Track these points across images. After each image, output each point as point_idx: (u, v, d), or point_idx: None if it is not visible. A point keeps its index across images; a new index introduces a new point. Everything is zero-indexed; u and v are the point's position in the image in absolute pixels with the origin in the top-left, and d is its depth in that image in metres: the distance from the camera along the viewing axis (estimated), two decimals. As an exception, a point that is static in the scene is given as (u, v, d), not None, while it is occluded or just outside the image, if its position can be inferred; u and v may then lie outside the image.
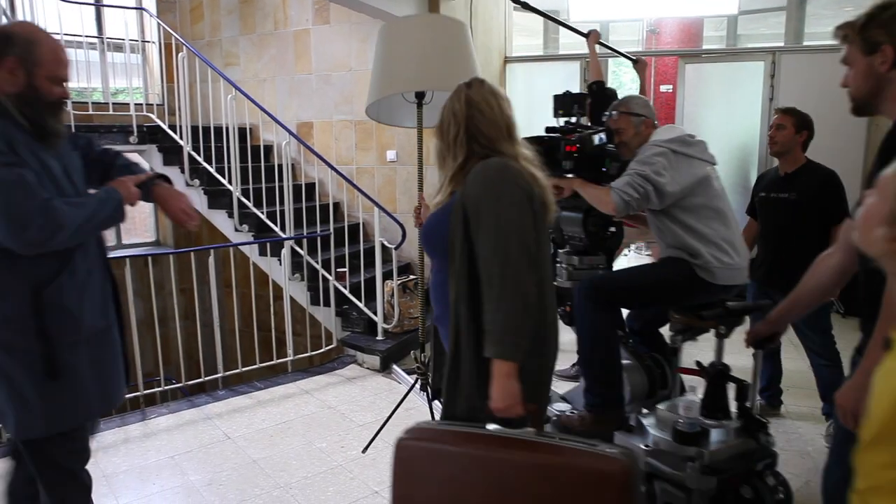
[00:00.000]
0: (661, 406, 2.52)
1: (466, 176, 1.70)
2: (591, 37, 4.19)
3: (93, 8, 6.26)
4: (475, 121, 1.72)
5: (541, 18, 7.27)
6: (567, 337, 4.74)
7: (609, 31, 7.59)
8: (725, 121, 6.36)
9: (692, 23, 7.85)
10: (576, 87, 7.12)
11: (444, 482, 1.51)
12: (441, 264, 1.77)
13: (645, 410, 2.63)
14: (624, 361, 2.63)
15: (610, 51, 4.75)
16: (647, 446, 2.35)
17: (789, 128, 3.21)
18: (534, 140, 2.76)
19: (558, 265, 3.03)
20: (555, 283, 3.01)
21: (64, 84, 1.85)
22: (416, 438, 1.57)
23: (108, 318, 2.00)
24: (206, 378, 4.35)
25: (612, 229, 3.02)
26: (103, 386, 1.97)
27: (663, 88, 7.76)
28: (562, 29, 7.42)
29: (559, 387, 3.94)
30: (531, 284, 1.60)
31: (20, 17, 4.75)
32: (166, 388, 4.23)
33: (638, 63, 4.28)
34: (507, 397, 1.56)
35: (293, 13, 6.33)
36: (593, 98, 3.58)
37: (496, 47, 7.05)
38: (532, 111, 7.24)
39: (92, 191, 2.01)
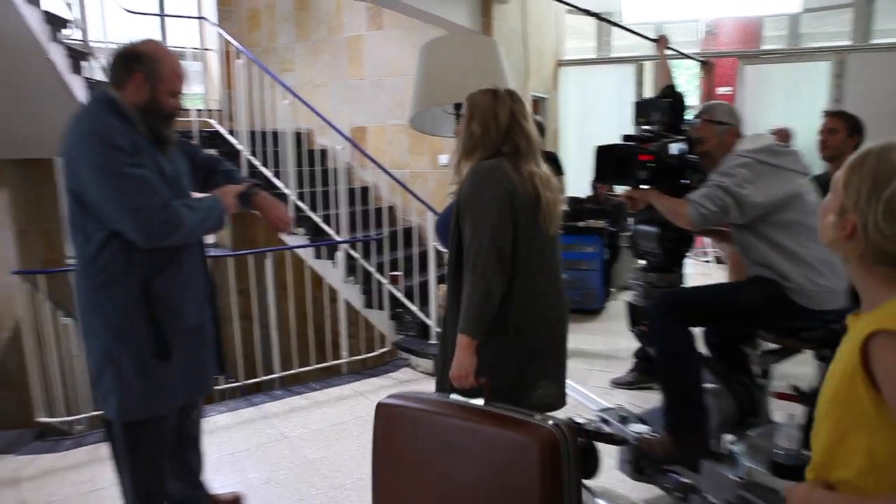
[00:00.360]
0: (752, 433, 2.32)
1: None
2: (661, 42, 4.17)
3: (157, 18, 6.49)
4: (513, 132, 1.96)
5: (593, 20, 7.21)
6: (623, 344, 4.68)
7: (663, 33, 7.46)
8: (788, 124, 6.17)
9: (751, 22, 7.65)
10: (630, 90, 7.02)
11: (412, 439, 1.77)
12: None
13: (731, 437, 2.43)
14: (709, 385, 2.45)
15: (679, 54, 4.67)
16: (739, 478, 2.16)
17: (842, 131, 3.12)
18: (606, 148, 2.65)
19: (633, 282, 2.91)
20: (631, 302, 2.91)
21: (179, 96, 2.05)
22: (393, 404, 1.84)
23: (204, 315, 2.16)
24: (263, 378, 4.44)
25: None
26: (194, 377, 2.14)
27: (721, 91, 7.58)
28: (614, 30, 7.33)
29: (620, 398, 3.87)
30: (496, 276, 1.83)
31: (91, 26, 4.94)
32: (225, 386, 4.32)
33: (706, 65, 4.23)
34: (461, 367, 1.84)
35: (347, 20, 6.42)
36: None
37: (549, 50, 7.01)
38: (585, 115, 7.18)
39: (195, 194, 2.20)
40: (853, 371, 1.00)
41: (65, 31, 4.36)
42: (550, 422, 1.59)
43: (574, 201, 6.13)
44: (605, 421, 2.67)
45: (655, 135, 2.73)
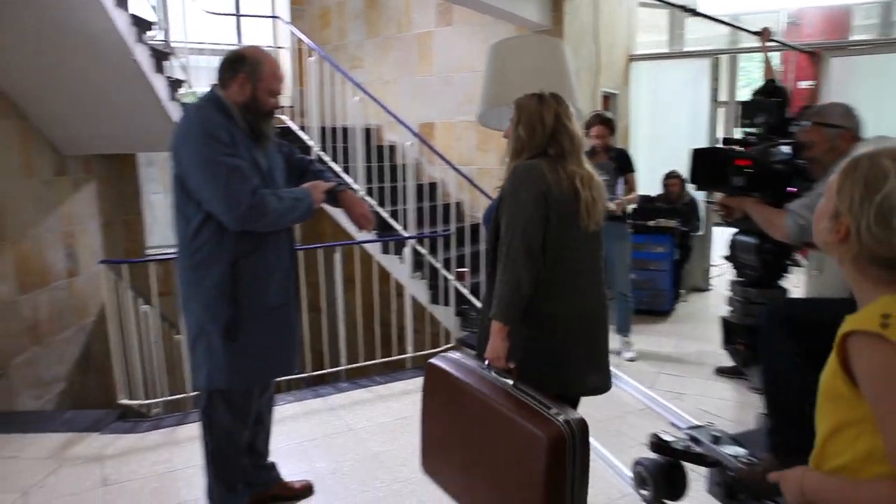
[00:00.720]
0: None
1: None
2: (765, 34, 4.01)
3: (233, 18, 6.70)
4: (558, 134, 2.07)
5: (666, 13, 7.00)
6: (693, 348, 4.52)
7: (741, 25, 7.15)
8: (878, 121, 5.82)
9: (838, 11, 7.27)
10: (705, 86, 6.79)
11: (449, 401, 2.01)
12: None
13: None
14: None
15: (782, 46, 4.48)
16: None
17: None
18: (702, 152, 2.50)
19: (731, 297, 2.74)
20: (726, 318, 2.74)
21: (277, 96, 2.28)
22: (440, 366, 2.07)
23: (288, 297, 2.33)
24: (329, 370, 4.52)
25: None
26: (277, 356, 2.32)
27: (803, 85, 7.24)
28: (688, 23, 7.10)
29: (690, 404, 3.76)
30: (525, 269, 1.96)
31: (173, 27, 5.15)
32: (292, 377, 4.41)
33: (814, 56, 4.04)
34: (494, 351, 1.98)
35: (416, 16, 6.46)
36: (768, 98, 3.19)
37: (620, 45, 6.86)
38: (657, 111, 6.98)
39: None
40: (835, 368, 1.08)
41: (149, 33, 4.54)
42: (562, 417, 1.71)
43: (645, 200, 5.98)
44: (694, 440, 2.45)
45: (759, 138, 2.54)
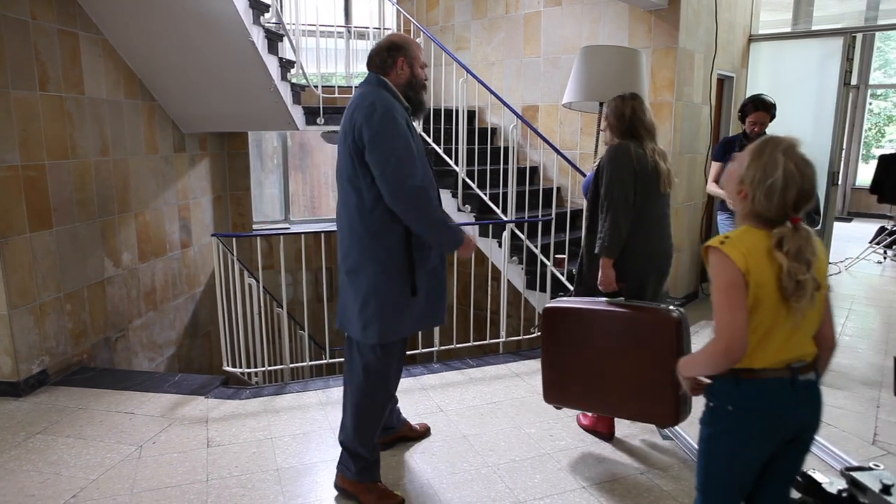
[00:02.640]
0: None
1: None
2: None
3: (342, 1, 6.81)
4: (634, 123, 2.83)
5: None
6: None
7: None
8: None
9: None
10: (834, 68, 6.26)
11: (575, 327, 2.62)
12: None
13: None
14: None
15: None
16: None
17: None
18: (892, 159, 2.26)
19: None
20: None
21: (425, 67, 2.59)
22: (557, 306, 2.67)
23: (443, 261, 2.65)
24: (422, 350, 4.55)
25: None
26: (430, 308, 2.61)
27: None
28: (817, 0, 6.54)
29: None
30: (623, 217, 2.74)
31: (286, 11, 5.30)
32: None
33: None
34: (605, 278, 2.80)
35: (525, -5, 6.31)
36: None
37: (740, 24, 6.43)
38: (776, 99, 6.51)
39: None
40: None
41: (266, 15, 4.69)
42: (672, 308, 2.37)
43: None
44: (856, 485, 2.04)
45: None
